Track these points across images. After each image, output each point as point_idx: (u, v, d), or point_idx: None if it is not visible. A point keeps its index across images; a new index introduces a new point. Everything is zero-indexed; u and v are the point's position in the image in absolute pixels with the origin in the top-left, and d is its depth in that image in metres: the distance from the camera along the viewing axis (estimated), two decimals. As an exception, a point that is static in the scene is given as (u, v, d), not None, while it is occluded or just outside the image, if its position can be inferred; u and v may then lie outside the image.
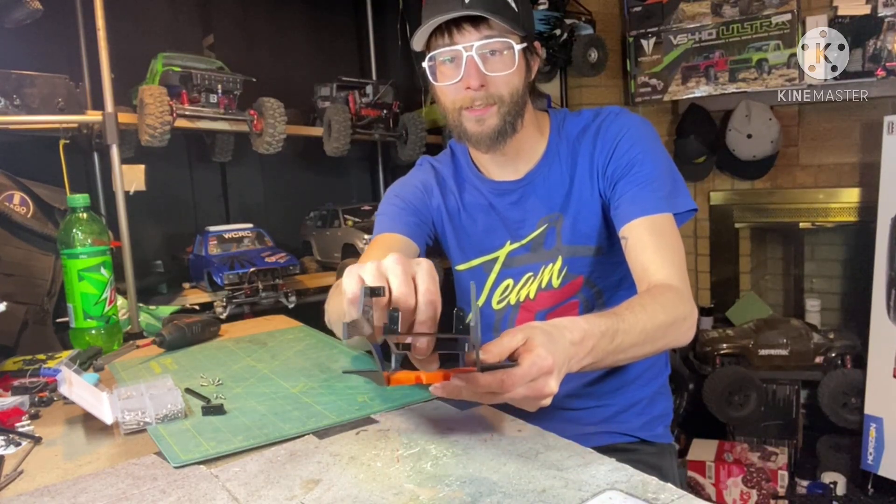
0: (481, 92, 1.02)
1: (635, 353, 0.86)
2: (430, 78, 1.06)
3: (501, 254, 1.17)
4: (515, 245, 1.16)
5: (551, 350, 0.68)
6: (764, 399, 2.52)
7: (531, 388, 0.67)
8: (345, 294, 0.71)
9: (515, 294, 1.17)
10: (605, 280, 1.14)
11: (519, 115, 1.06)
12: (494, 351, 0.67)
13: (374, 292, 0.70)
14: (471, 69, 1.00)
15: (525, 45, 1.03)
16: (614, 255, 1.10)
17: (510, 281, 1.18)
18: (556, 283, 1.14)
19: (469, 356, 0.66)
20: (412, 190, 1.22)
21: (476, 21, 0.99)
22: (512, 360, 0.68)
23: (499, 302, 1.20)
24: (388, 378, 0.70)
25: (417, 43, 1.05)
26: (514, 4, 1.01)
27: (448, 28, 1.00)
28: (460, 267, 1.23)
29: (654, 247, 0.99)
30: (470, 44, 0.99)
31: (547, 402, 0.70)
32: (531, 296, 1.16)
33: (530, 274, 1.15)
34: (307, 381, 0.99)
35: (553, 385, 0.68)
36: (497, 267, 1.18)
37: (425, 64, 1.05)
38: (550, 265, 1.14)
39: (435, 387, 0.68)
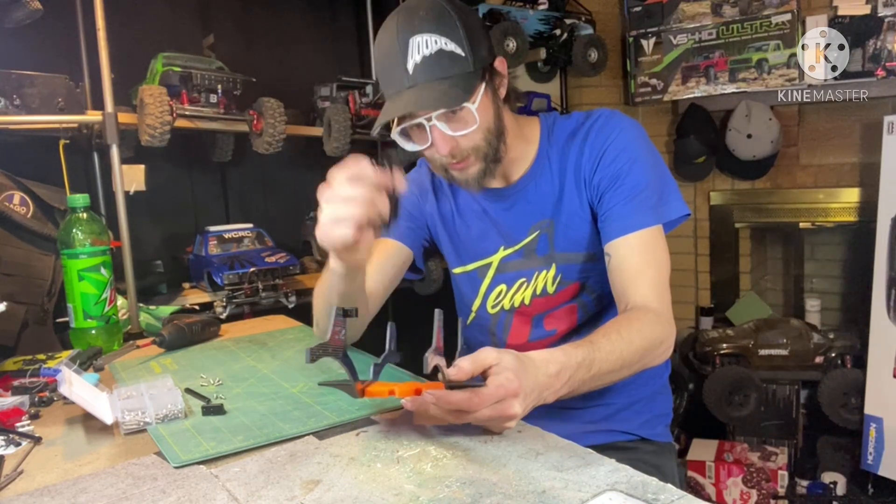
0: (455, 152, 1.02)
1: (612, 378, 0.89)
2: (405, 145, 1.05)
3: (495, 259, 1.17)
4: (509, 251, 1.16)
5: (519, 374, 0.71)
6: (764, 399, 2.52)
7: (496, 410, 0.70)
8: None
9: (509, 299, 1.17)
10: (604, 285, 1.12)
11: (500, 145, 1.06)
12: (466, 368, 0.71)
13: (346, 313, 0.74)
14: (437, 138, 1.00)
15: (483, 85, 1.00)
16: None
17: (503, 286, 1.18)
18: (550, 289, 1.14)
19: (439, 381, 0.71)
20: (407, 195, 1.23)
21: None
22: (484, 377, 0.72)
23: (493, 307, 1.20)
24: (363, 391, 0.73)
25: (376, 130, 1.04)
26: (459, 49, 0.97)
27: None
28: (456, 271, 1.23)
29: (635, 266, 1.00)
30: (428, 115, 0.98)
31: (511, 424, 0.73)
32: (526, 301, 1.16)
33: (523, 280, 1.15)
34: (307, 381, 0.99)
35: (517, 408, 0.71)
36: (491, 272, 1.18)
37: (395, 136, 1.04)
38: (544, 272, 1.14)
39: (406, 401, 0.72)
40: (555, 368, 0.77)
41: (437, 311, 0.76)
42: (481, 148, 1.03)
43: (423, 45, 0.96)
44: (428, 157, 1.07)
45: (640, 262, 1.00)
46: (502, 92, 1.07)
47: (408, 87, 0.97)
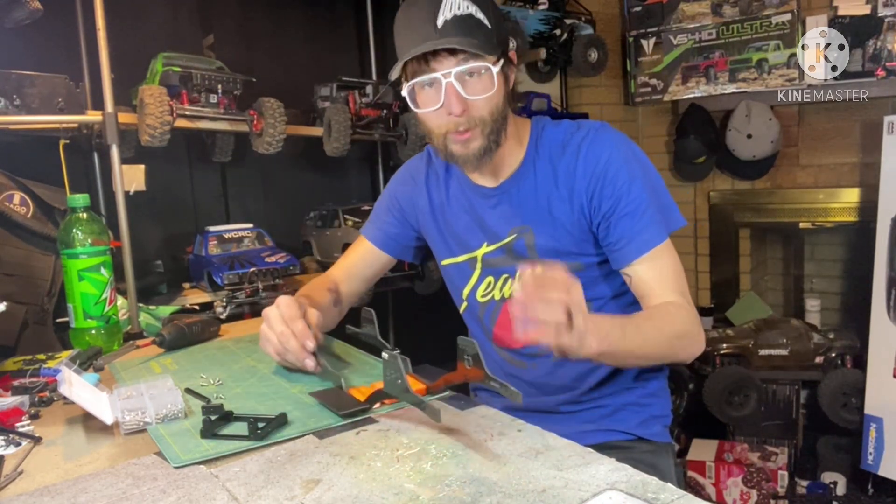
0: (464, 116, 1.02)
1: (644, 351, 0.95)
2: (411, 105, 1.05)
3: (479, 254, 1.19)
4: (491, 248, 1.17)
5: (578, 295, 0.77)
6: (764, 399, 2.52)
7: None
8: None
9: (498, 290, 1.19)
10: (593, 291, 1.13)
11: (502, 130, 1.07)
12: (528, 281, 0.75)
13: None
14: (451, 96, 1.00)
15: (502, 61, 1.03)
16: (601, 270, 1.12)
17: (491, 278, 1.20)
18: None
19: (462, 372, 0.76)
20: (402, 188, 1.29)
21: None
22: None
23: (483, 296, 1.21)
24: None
25: (394, 73, 1.05)
26: (486, 21, 1.00)
27: (424, 55, 0.99)
28: (445, 262, 1.25)
29: (657, 281, 1.04)
30: (448, 70, 0.99)
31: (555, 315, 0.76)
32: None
33: (507, 275, 1.17)
34: (307, 381, 0.99)
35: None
36: (478, 264, 1.20)
37: (404, 92, 1.05)
38: None
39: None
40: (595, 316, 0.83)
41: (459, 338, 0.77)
42: (487, 122, 1.04)
43: (456, 6, 0.98)
44: (434, 123, 1.06)
45: (659, 277, 1.04)
46: (511, 80, 1.09)
47: (434, 41, 0.98)
